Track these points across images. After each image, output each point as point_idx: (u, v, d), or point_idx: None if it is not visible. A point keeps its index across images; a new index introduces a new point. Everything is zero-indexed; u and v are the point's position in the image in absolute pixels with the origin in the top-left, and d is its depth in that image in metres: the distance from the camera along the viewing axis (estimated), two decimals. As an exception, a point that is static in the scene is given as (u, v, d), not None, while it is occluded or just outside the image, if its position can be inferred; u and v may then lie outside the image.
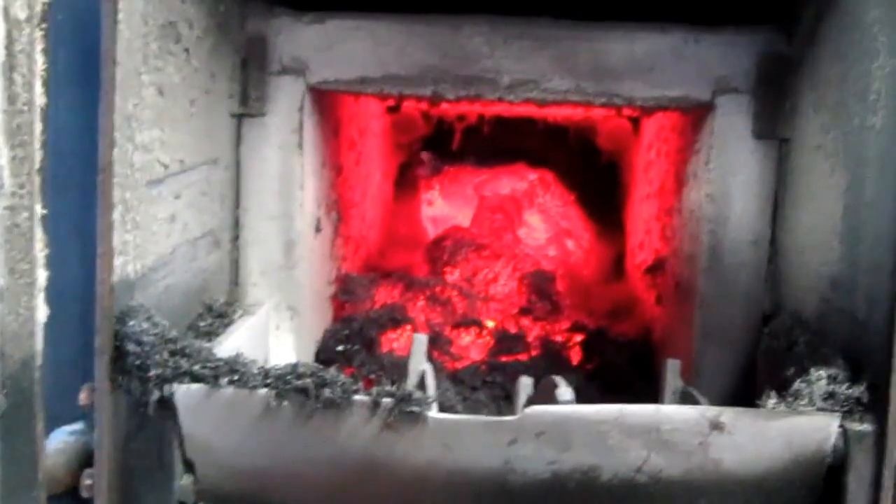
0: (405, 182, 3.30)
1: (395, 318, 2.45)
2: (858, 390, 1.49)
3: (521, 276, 2.72)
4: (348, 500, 1.54)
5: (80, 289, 1.56)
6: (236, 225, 2.11)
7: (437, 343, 2.45)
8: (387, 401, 1.47)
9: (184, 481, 1.54)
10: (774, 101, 2.00)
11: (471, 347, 2.51)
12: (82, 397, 1.52)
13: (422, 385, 1.81)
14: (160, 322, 1.53)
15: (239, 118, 2.09)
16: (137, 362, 1.48)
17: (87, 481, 1.54)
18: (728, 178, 2.05)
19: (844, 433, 1.47)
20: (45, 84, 1.34)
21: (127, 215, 1.53)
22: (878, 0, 1.56)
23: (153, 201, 1.66)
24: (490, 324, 2.57)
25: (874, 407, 1.48)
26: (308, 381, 1.47)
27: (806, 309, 1.84)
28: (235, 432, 1.50)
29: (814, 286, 1.80)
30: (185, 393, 1.48)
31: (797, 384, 1.52)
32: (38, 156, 1.34)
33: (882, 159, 1.53)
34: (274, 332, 2.13)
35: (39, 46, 1.33)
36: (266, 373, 1.49)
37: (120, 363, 1.49)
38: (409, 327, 2.45)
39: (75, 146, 1.57)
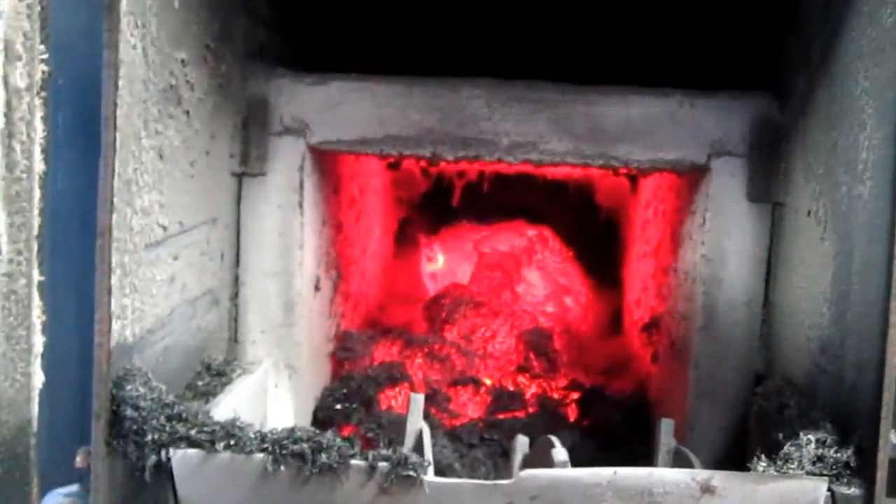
0: (405, 237, 3.33)
1: (394, 376, 2.46)
2: (846, 454, 1.51)
3: (518, 333, 2.73)
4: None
5: (77, 350, 1.58)
6: (236, 282, 2.13)
7: (434, 400, 2.46)
8: (383, 465, 1.48)
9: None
10: (768, 165, 2.03)
11: (468, 405, 2.51)
12: (79, 460, 1.53)
13: (419, 445, 1.83)
14: (157, 386, 1.54)
15: (240, 177, 2.12)
16: (134, 427, 1.49)
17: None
18: (723, 240, 2.07)
19: (833, 497, 1.48)
20: (45, 151, 1.36)
21: (125, 279, 1.55)
22: (867, 73, 1.59)
23: (152, 264, 1.68)
24: (487, 381, 2.58)
25: (862, 470, 1.50)
26: (305, 445, 1.48)
27: (797, 371, 1.86)
28: (232, 497, 1.50)
29: (804, 349, 1.82)
30: (181, 458, 1.49)
31: (787, 447, 1.53)
32: (36, 222, 1.36)
33: (869, 228, 1.55)
34: (272, 391, 2.14)
35: (39, 114, 1.36)
36: (263, 437, 1.50)
37: (117, 427, 1.50)
38: (406, 385, 2.46)
39: (74, 208, 1.60)
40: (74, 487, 1.60)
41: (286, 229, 2.14)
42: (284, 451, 1.48)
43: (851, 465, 1.50)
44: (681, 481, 1.48)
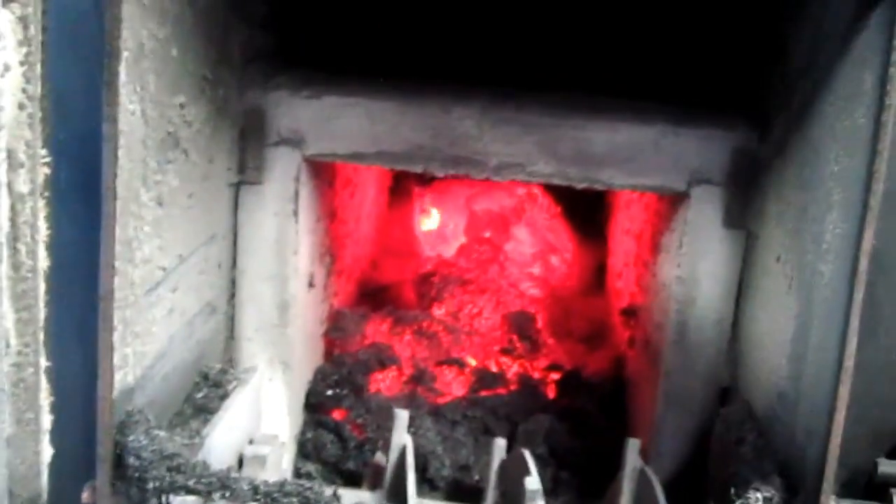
0: (399, 188, 3.40)
1: (382, 360, 2.60)
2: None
3: (503, 314, 2.86)
4: None
5: (82, 391, 1.68)
6: (233, 285, 2.23)
7: (421, 379, 2.61)
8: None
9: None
10: (744, 195, 2.11)
11: (453, 383, 2.65)
12: (85, 496, 1.66)
13: (402, 460, 1.98)
14: (157, 435, 1.66)
15: (237, 185, 2.19)
16: (136, 474, 1.62)
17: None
18: (698, 262, 2.16)
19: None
20: (49, 248, 1.44)
21: (126, 330, 1.66)
22: (838, 158, 1.66)
23: (152, 305, 1.78)
24: (472, 361, 2.72)
25: None
26: (294, 500, 1.62)
27: (757, 403, 1.98)
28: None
29: (765, 387, 1.94)
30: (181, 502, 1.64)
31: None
32: (42, 315, 1.44)
33: (827, 311, 1.65)
34: (266, 384, 2.27)
35: (42, 214, 1.43)
36: (255, 489, 1.63)
37: (120, 470, 1.63)
38: (395, 368, 2.59)
39: (77, 257, 1.66)
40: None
41: (282, 236, 2.22)
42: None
43: None
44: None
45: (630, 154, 2.14)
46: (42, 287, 1.46)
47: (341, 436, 2.42)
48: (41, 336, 1.47)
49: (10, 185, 1.39)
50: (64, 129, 1.58)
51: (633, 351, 2.63)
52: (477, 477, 2.36)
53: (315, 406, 2.46)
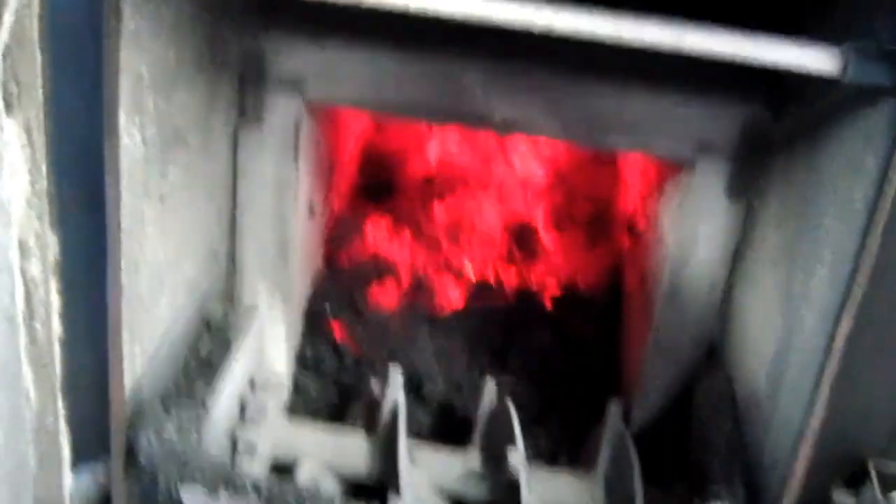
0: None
1: (380, 271, 2.65)
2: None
3: (504, 223, 2.88)
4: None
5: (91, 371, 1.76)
6: (233, 228, 2.25)
7: (419, 289, 2.68)
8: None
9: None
10: (749, 170, 2.09)
11: (450, 294, 2.72)
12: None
13: (395, 420, 2.09)
14: (167, 435, 1.76)
15: (236, 126, 2.16)
16: (148, 469, 1.74)
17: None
18: (697, 227, 2.17)
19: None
20: (62, 315, 1.48)
21: (134, 335, 1.71)
22: (832, 219, 1.65)
23: (156, 302, 1.82)
24: (470, 271, 2.77)
25: None
26: (293, 500, 1.74)
27: (739, 380, 2.07)
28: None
29: (747, 377, 2.02)
30: (190, 494, 1.76)
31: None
32: (58, 373, 1.51)
33: (806, 355, 1.70)
34: (267, 312, 2.34)
35: (54, 288, 1.46)
36: (258, 489, 1.75)
37: (132, 460, 1.75)
38: (392, 279, 2.66)
39: (83, 261, 1.69)
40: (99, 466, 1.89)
41: (282, 178, 2.21)
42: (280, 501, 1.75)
43: None
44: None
45: (638, 121, 2.09)
46: (57, 351, 1.51)
47: (338, 351, 2.52)
48: (59, 394, 1.55)
49: (23, 273, 1.44)
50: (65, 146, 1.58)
51: (631, 272, 2.68)
52: (466, 404, 2.47)
53: (313, 322, 2.54)
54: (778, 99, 2.02)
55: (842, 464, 1.76)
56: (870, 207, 1.49)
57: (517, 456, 2.00)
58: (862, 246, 1.50)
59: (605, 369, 2.58)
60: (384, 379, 2.26)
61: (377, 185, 2.96)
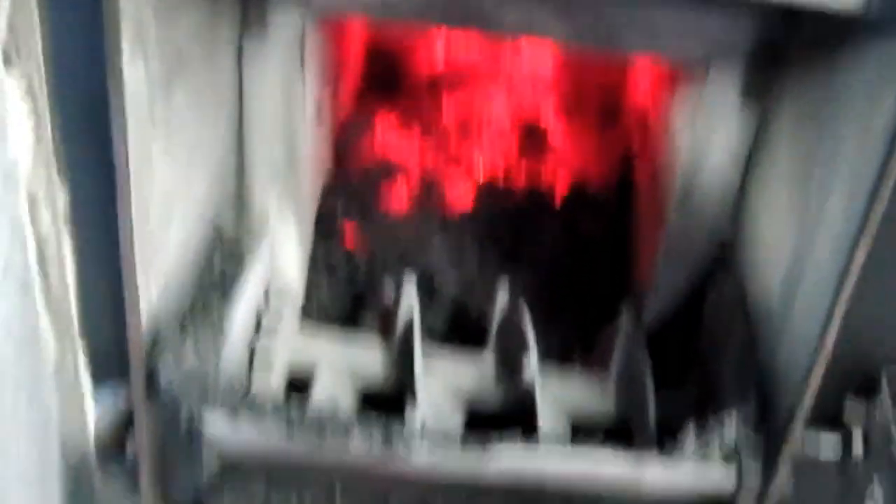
0: None
1: (389, 172, 2.63)
2: (760, 438, 1.80)
3: (514, 120, 2.83)
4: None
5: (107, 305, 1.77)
6: (241, 143, 2.21)
7: (429, 192, 2.67)
8: (377, 444, 1.79)
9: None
10: (764, 77, 2.04)
11: (460, 193, 2.70)
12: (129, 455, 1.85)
13: (410, 328, 2.11)
14: (186, 359, 1.78)
15: (240, 40, 2.10)
16: (169, 397, 1.77)
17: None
18: (710, 130, 2.14)
19: (740, 473, 1.81)
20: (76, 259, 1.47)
21: (148, 265, 1.71)
22: (847, 134, 1.62)
23: (166, 229, 1.80)
24: (480, 170, 2.75)
25: (770, 454, 1.80)
26: (311, 428, 1.78)
27: (750, 293, 2.07)
28: (257, 450, 1.83)
29: (760, 286, 2.02)
30: (211, 418, 1.80)
31: (712, 429, 1.83)
32: (75, 319, 1.51)
33: (827, 252, 1.68)
34: (278, 222, 2.33)
35: (66, 235, 1.45)
36: (278, 410, 1.79)
37: (152, 388, 1.77)
38: (401, 178, 2.64)
39: (93, 209, 1.67)
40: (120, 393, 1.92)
41: (289, 84, 2.16)
42: (300, 423, 1.78)
43: (763, 447, 1.81)
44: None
45: (652, 25, 2.03)
46: (73, 292, 1.51)
47: (350, 255, 2.52)
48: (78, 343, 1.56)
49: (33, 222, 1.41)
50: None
51: (642, 171, 2.65)
52: (479, 300, 2.48)
53: (324, 227, 2.54)
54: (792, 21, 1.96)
55: (854, 373, 1.78)
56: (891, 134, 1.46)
57: (531, 362, 2.03)
58: (881, 172, 1.48)
59: (616, 267, 2.58)
60: (397, 282, 2.27)
61: (384, 83, 2.89)
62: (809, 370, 1.70)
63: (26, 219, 1.42)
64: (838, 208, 1.66)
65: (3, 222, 1.38)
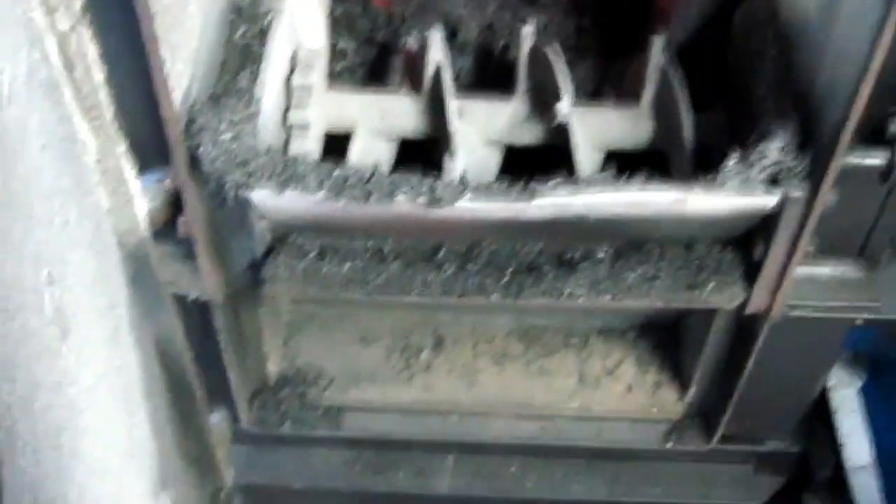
0: None
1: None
2: (804, 163, 1.79)
3: None
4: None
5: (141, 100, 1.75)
6: None
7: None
8: (422, 200, 1.81)
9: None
10: None
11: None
12: (181, 231, 1.86)
13: (437, 78, 2.08)
14: (224, 139, 1.78)
15: None
16: (212, 167, 1.78)
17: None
18: None
19: (785, 192, 1.81)
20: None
21: (173, 51, 1.68)
22: None
23: (185, 9, 1.74)
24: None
25: (813, 176, 1.78)
26: (357, 191, 1.79)
27: (783, 7, 1.99)
28: (305, 218, 1.87)
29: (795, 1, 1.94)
30: (257, 194, 1.82)
31: (753, 149, 1.82)
32: (110, 117, 1.50)
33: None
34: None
35: (86, 36, 1.41)
36: (322, 181, 1.80)
37: (195, 163, 1.79)
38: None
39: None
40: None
41: None
42: (344, 185, 1.81)
43: (806, 170, 1.78)
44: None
45: None
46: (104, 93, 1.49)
47: (369, 7, 2.45)
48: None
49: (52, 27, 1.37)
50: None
51: None
52: (503, 42, 2.43)
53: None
54: None
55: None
56: None
57: (565, 98, 2.01)
58: None
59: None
60: (419, 32, 2.22)
61: None
62: (856, 92, 1.62)
63: (43, 22, 1.37)
64: None
65: (19, 27, 1.35)
